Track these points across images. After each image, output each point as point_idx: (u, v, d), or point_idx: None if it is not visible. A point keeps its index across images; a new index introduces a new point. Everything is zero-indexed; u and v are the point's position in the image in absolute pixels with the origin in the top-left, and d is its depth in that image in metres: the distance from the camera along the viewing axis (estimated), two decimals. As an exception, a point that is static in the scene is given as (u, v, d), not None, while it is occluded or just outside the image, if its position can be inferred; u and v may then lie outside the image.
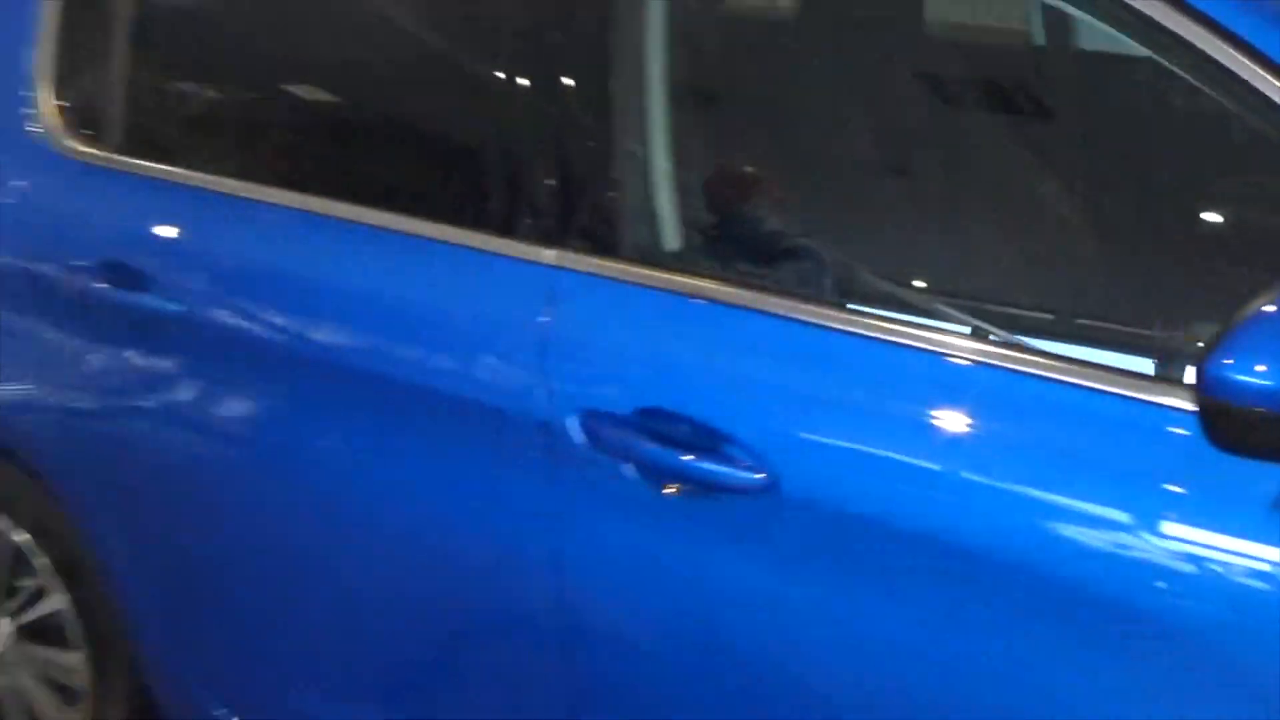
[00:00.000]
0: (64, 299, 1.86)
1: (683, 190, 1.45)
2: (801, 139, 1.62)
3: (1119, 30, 1.25)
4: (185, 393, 1.82)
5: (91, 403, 1.89)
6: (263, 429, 1.75)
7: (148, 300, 1.75)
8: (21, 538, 2.03)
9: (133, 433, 1.86)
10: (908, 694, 1.27)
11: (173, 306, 1.74)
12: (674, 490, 1.32)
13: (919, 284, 1.47)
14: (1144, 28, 1.18)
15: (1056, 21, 1.51)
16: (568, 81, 1.49)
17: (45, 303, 1.89)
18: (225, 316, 1.74)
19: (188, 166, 1.81)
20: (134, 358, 1.82)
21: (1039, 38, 1.58)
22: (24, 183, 1.93)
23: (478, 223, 1.53)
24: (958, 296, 1.38)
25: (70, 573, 1.99)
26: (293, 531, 1.74)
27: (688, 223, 1.46)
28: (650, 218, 1.44)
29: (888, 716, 1.29)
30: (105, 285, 1.78)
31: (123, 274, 1.77)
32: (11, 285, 1.91)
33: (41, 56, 1.92)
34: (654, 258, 1.43)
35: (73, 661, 2.03)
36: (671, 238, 1.45)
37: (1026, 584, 1.18)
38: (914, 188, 1.60)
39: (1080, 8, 1.34)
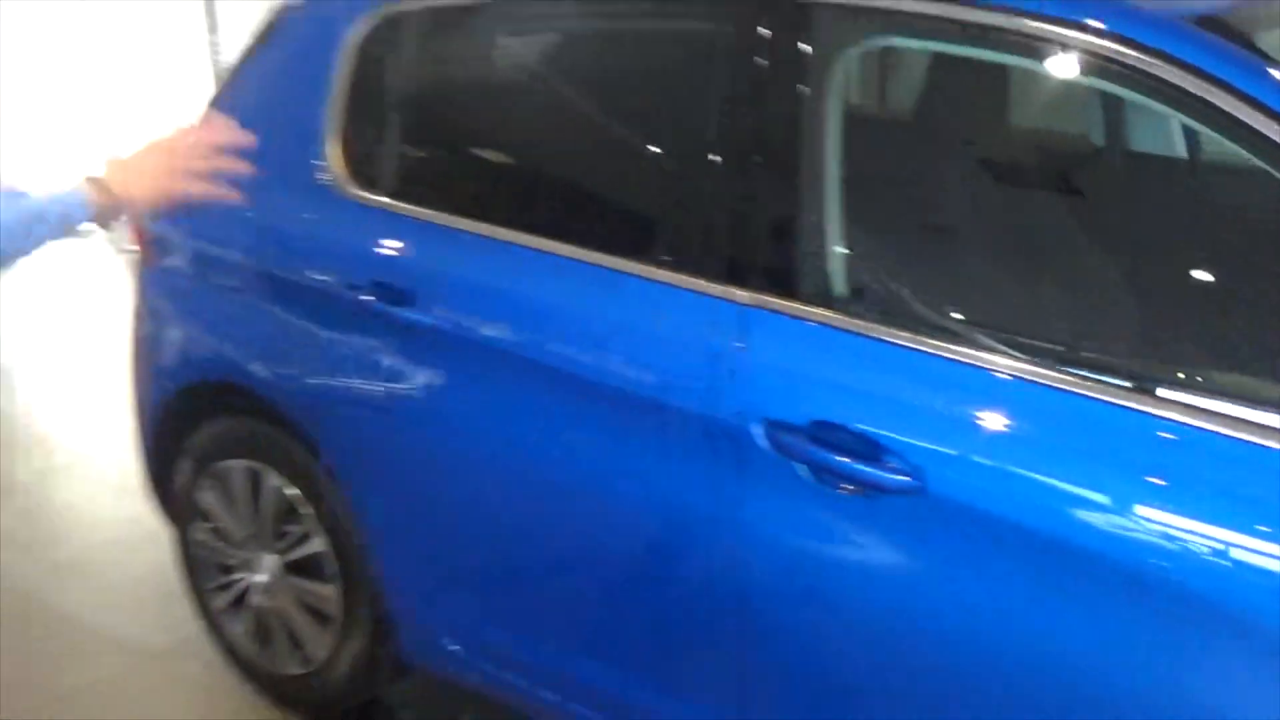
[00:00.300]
0: (342, 308, 1.92)
1: (847, 248, 1.51)
2: (928, 212, 1.69)
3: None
4: (432, 383, 1.87)
5: (357, 388, 1.94)
6: (493, 416, 1.78)
7: (408, 313, 1.83)
8: (292, 492, 2.13)
9: (388, 413, 1.92)
10: (1023, 665, 1.33)
11: (427, 319, 1.82)
12: (851, 490, 1.38)
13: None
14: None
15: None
16: (764, 162, 1.53)
17: (327, 310, 1.95)
18: (468, 327, 1.80)
19: (443, 210, 1.88)
20: (394, 356, 1.88)
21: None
22: (314, 217, 2.01)
23: (687, 266, 1.59)
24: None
25: (329, 523, 2.09)
26: (514, 500, 1.81)
27: (851, 273, 1.51)
28: (822, 268, 1.50)
29: (1009, 684, 1.35)
30: (375, 299, 1.87)
31: (390, 292, 1.85)
32: (302, 295, 1.99)
33: (330, 119, 2.01)
34: (824, 299, 1.50)
35: (327, 593, 2.14)
36: (839, 284, 1.51)
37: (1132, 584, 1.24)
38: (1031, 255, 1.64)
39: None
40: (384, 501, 1.99)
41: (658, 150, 1.81)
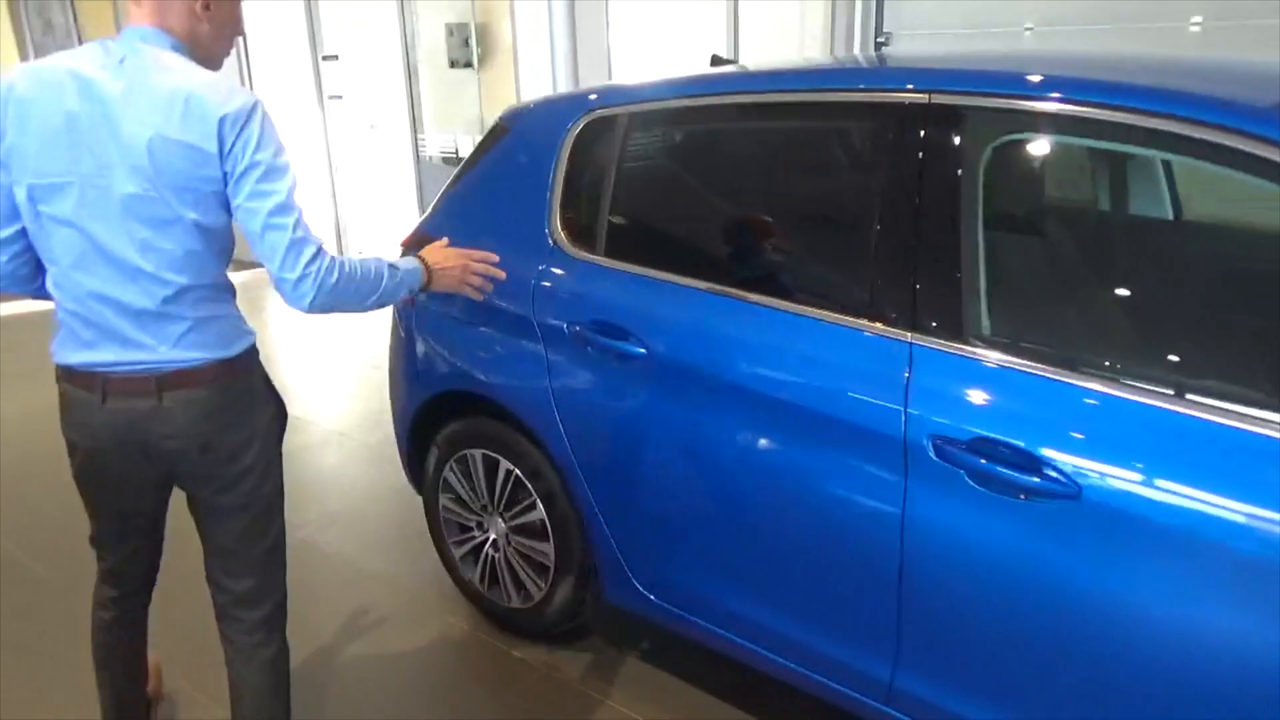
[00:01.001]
0: (570, 340, 1.90)
1: (992, 298, 1.44)
2: (1057, 268, 1.60)
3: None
4: (640, 396, 1.82)
5: (576, 396, 1.92)
6: (691, 420, 1.74)
7: (624, 345, 1.81)
8: (518, 474, 2.12)
9: (602, 416, 1.89)
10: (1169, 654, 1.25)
11: (639, 349, 1.79)
12: (1012, 492, 1.31)
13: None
14: None
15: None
16: (927, 231, 1.48)
17: (556, 340, 1.94)
18: (676, 356, 1.75)
19: (647, 266, 1.84)
20: (611, 376, 1.86)
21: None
22: (550, 270, 1.98)
23: (864, 313, 1.54)
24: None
25: (548, 496, 2.08)
26: (705, 481, 1.75)
27: (996, 317, 1.44)
28: (975, 313, 1.44)
29: (1151, 668, 1.27)
30: (598, 334, 1.85)
31: (609, 329, 1.83)
32: (535, 329, 1.98)
33: (554, 196, 2.00)
34: (977, 338, 1.43)
35: (545, 548, 2.13)
36: (986, 326, 1.44)
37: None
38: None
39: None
40: (597, 482, 1.96)
41: (837, 221, 1.74)
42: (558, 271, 1.97)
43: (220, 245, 1.39)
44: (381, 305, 1.48)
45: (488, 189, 2.20)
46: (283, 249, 1.31)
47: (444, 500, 2.36)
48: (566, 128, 2.02)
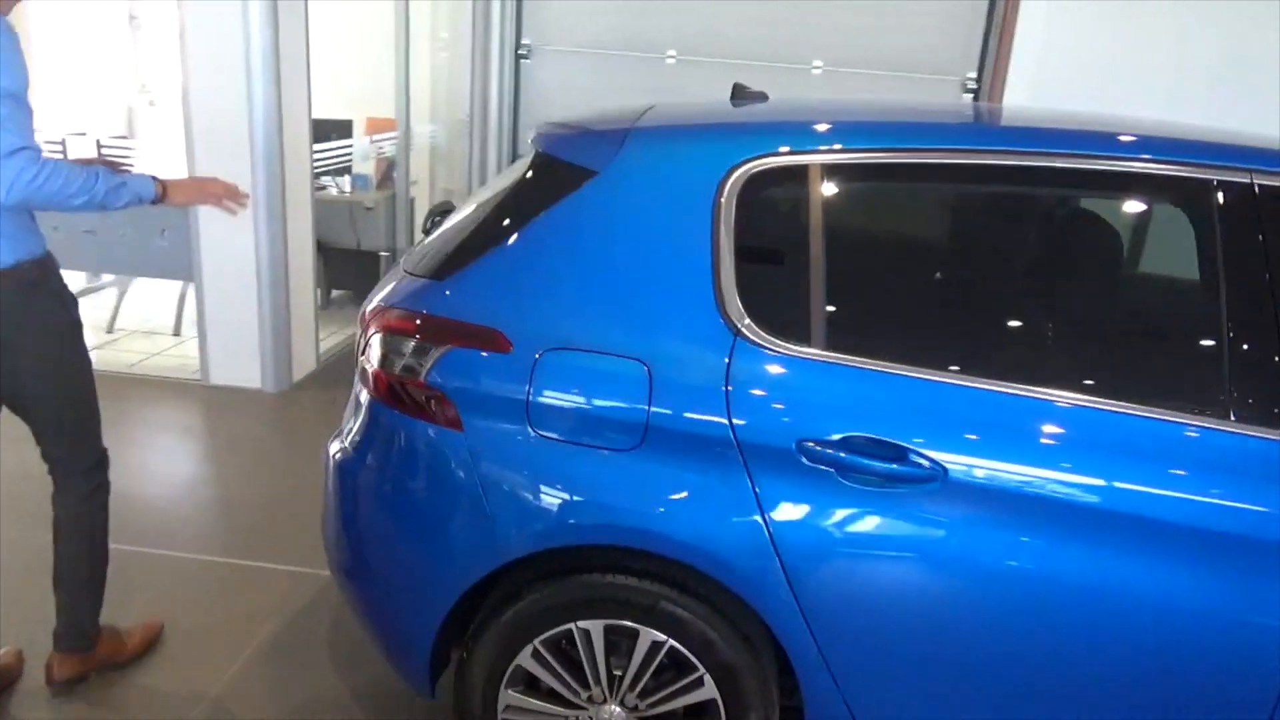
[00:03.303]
0: (801, 463, 1.42)
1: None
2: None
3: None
4: (935, 532, 1.41)
5: (813, 535, 1.43)
6: (1020, 570, 1.39)
7: (902, 467, 1.38)
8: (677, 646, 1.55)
9: (866, 561, 1.43)
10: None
11: (927, 471, 1.37)
12: None
13: None
14: None
15: None
16: None
17: (779, 465, 1.42)
18: (989, 479, 1.38)
19: (910, 364, 1.43)
20: (879, 507, 1.40)
21: None
22: (744, 369, 1.45)
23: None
24: None
25: (725, 671, 1.54)
26: (1045, 651, 1.42)
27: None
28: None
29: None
30: (856, 455, 1.39)
31: (874, 447, 1.38)
32: (746, 453, 1.42)
33: (722, 272, 1.47)
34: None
35: None
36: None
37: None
38: None
39: None
40: (847, 651, 1.48)
41: (1174, 305, 1.54)
42: (759, 371, 1.44)
43: None
44: (96, 208, 1.73)
45: (575, 251, 1.52)
46: None
47: (510, 698, 1.62)
48: (717, 179, 1.49)
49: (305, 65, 3.77)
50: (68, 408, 1.88)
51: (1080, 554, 1.36)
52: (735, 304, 1.46)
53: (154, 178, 1.84)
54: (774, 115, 1.75)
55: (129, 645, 2.11)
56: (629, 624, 1.54)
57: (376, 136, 5.23)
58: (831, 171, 1.50)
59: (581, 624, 1.55)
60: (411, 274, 1.66)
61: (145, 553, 2.56)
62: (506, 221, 1.60)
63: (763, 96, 1.90)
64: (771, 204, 1.52)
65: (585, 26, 4.87)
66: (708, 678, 1.55)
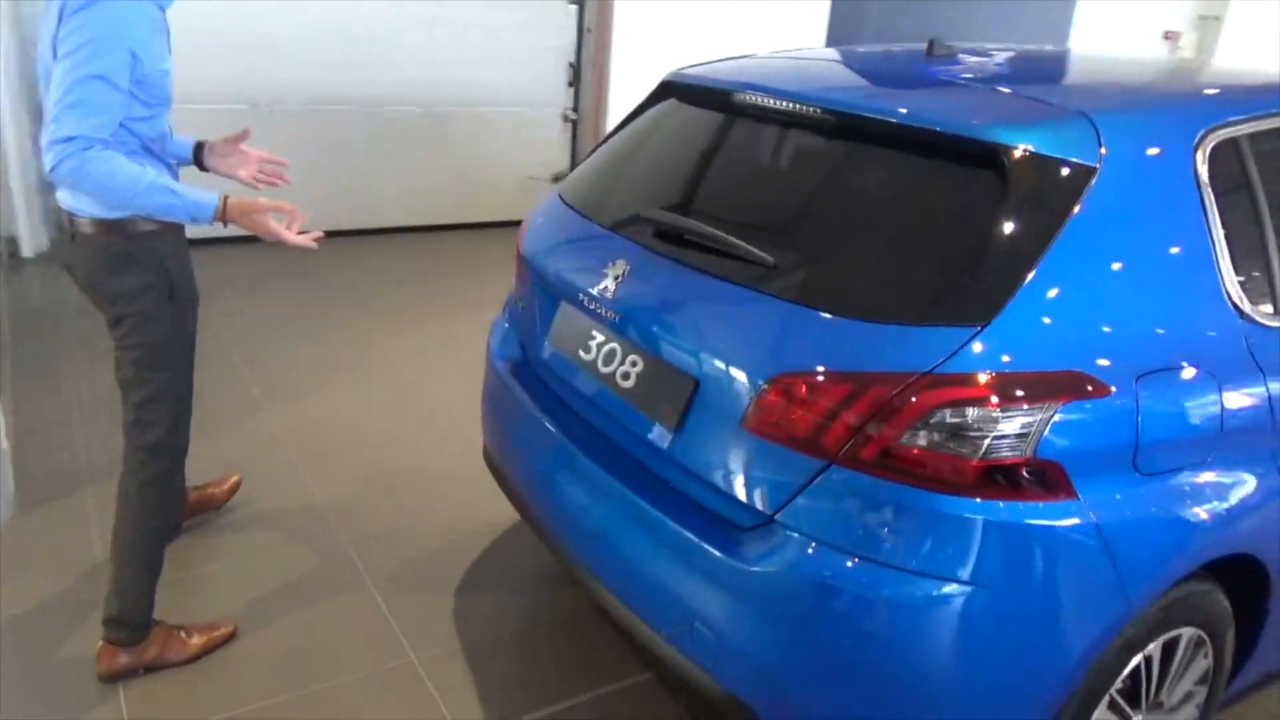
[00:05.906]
0: None
1: None
2: None
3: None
4: None
5: None
6: None
7: None
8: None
9: None
10: None
11: None
12: None
13: None
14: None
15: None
16: None
17: None
18: None
19: None
20: None
21: None
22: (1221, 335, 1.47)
23: None
24: None
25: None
26: None
27: None
28: None
29: None
30: None
31: None
32: None
33: (1219, 251, 1.46)
34: None
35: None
36: None
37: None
38: None
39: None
40: None
41: None
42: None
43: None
44: (137, 209, 1.69)
45: (1106, 259, 1.37)
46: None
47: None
48: (1187, 151, 1.47)
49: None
50: (135, 370, 1.83)
51: None
52: (1233, 287, 1.47)
53: (219, 197, 1.73)
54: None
55: (189, 646, 1.94)
56: (1203, 632, 1.53)
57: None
58: (1250, 143, 1.56)
59: (1151, 646, 1.46)
60: (866, 320, 1.31)
61: None
62: (1018, 239, 1.32)
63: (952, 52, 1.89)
64: (1231, 181, 1.52)
65: None
66: (1210, 648, 1.59)
